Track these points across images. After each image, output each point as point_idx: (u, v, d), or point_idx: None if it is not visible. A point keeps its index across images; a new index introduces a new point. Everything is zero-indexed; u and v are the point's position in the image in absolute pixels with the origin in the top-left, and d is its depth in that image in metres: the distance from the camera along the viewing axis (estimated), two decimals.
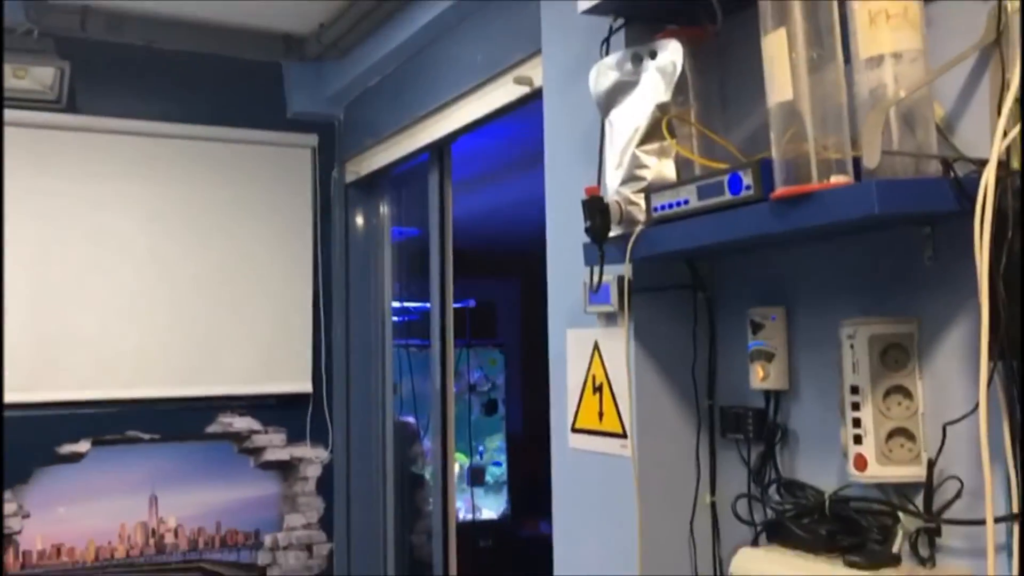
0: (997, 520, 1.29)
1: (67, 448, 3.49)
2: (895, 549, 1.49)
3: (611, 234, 1.76)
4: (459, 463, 5.63)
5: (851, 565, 1.48)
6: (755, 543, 1.74)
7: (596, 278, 1.82)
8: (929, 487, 1.46)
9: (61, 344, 3.42)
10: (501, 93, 2.81)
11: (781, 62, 1.37)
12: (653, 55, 1.77)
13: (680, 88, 1.73)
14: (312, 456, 3.87)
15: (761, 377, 1.77)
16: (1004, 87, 1.28)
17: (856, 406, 1.53)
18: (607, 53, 1.93)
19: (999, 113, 1.25)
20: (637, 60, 1.80)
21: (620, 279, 1.89)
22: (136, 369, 3.55)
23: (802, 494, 1.69)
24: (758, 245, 1.74)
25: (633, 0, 1.88)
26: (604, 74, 1.85)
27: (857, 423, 1.53)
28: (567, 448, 2.19)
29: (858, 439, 1.52)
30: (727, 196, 1.49)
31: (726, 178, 1.49)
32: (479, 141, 3.61)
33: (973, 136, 1.38)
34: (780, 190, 1.37)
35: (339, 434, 3.91)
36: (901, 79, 1.33)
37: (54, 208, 3.45)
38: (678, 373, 1.96)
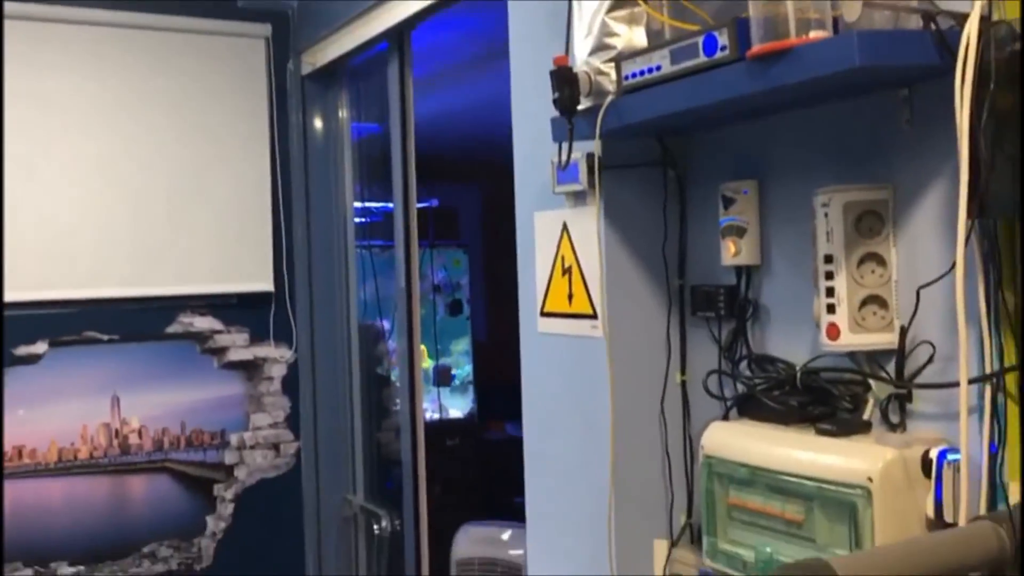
0: (971, 381, 1.29)
1: (23, 349, 3.41)
2: (866, 416, 1.50)
3: (580, 107, 1.71)
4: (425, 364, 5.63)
5: (822, 433, 1.49)
6: (726, 418, 1.74)
7: (565, 155, 1.77)
8: (901, 354, 1.46)
9: (13, 244, 3.30)
10: None
11: None
12: None
13: None
14: (276, 356, 3.83)
15: (733, 253, 1.75)
16: None
17: (829, 275, 1.51)
18: None
19: None
20: None
21: (589, 156, 1.84)
22: (92, 269, 3.46)
23: (773, 368, 1.68)
24: (731, 116, 1.69)
25: None
26: None
27: (830, 292, 1.51)
28: (536, 333, 2.17)
29: (831, 308, 1.51)
30: (702, 58, 1.44)
31: (701, 39, 1.44)
32: (439, 34, 3.49)
33: None
34: (757, 47, 1.32)
35: (303, 334, 3.86)
36: None
37: None
38: (648, 252, 1.93)
